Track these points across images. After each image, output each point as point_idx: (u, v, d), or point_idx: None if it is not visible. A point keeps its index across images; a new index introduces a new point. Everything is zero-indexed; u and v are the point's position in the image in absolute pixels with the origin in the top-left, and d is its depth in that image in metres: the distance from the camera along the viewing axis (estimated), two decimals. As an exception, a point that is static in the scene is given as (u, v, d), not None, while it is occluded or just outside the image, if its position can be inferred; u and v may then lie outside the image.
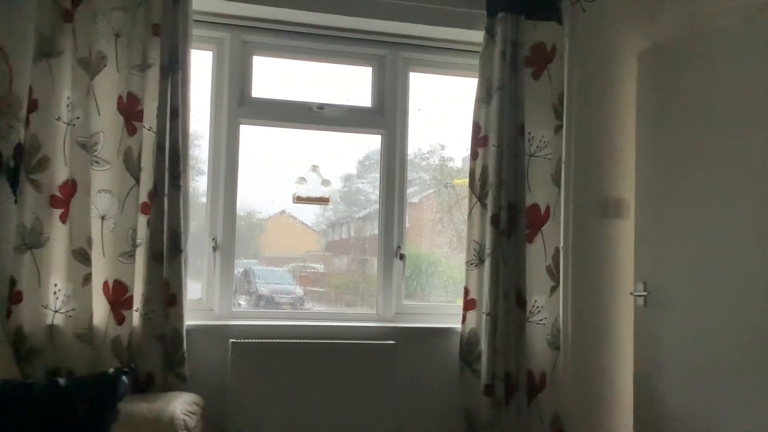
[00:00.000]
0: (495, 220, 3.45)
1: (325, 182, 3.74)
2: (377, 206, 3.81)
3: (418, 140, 3.90)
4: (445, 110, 3.91)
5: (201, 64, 3.53)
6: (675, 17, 3.58)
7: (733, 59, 3.10)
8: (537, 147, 3.61)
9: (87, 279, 3.08)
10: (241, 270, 3.74)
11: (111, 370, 2.46)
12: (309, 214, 3.94)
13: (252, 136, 3.64)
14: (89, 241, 3.10)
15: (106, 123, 3.16)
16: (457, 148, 3.99)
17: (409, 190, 3.92)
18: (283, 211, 3.87)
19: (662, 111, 3.45)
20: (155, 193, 3.12)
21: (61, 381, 2.35)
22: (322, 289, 3.94)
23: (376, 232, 3.79)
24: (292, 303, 3.87)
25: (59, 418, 2.18)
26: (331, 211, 3.99)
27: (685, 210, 3.29)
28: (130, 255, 3.14)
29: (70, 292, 3.08)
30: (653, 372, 3.39)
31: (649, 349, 3.43)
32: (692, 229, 3.24)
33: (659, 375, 3.35)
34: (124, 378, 2.37)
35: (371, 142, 3.85)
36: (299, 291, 3.91)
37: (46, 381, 2.54)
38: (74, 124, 3.11)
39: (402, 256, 3.74)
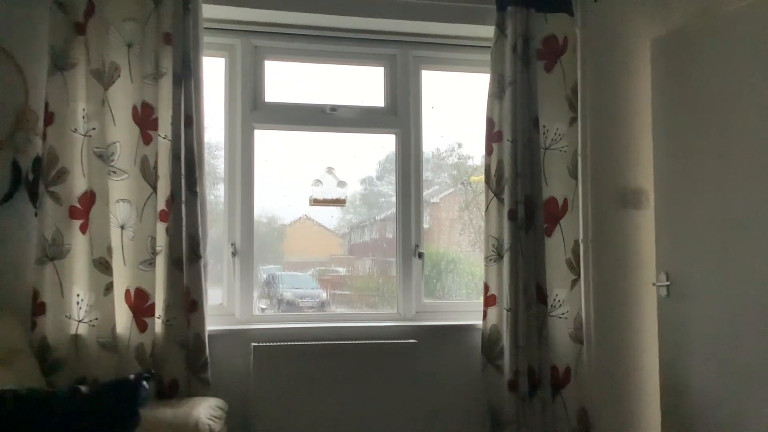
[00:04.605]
0: (512, 215, 3.43)
1: (341, 183, 3.74)
2: (397, 207, 3.80)
3: (434, 139, 3.88)
4: (459, 107, 3.89)
5: (213, 71, 3.56)
6: (687, 2, 3.53)
7: (749, 43, 3.03)
8: (552, 140, 3.58)
9: (109, 288, 3.12)
10: (265, 276, 3.75)
11: (131, 375, 2.48)
12: (330, 217, 3.94)
13: (266, 141, 3.66)
14: (109, 250, 3.13)
15: (122, 133, 3.19)
16: (475, 145, 3.96)
17: (429, 191, 3.90)
18: (303, 216, 3.88)
19: (678, 98, 3.40)
20: (173, 200, 3.14)
21: (83, 388, 2.36)
22: (345, 292, 3.94)
23: (397, 232, 3.79)
24: (316, 307, 3.87)
25: (81, 424, 2.20)
26: (351, 214, 3.99)
27: (705, 197, 3.24)
28: (150, 263, 3.17)
29: (93, 302, 3.11)
30: (679, 363, 3.34)
31: (673, 340, 3.38)
32: (713, 217, 3.19)
33: (685, 365, 3.30)
34: (144, 383, 2.38)
35: (389, 144, 3.83)
36: (323, 295, 3.91)
37: (67, 388, 2.56)
38: (90, 135, 3.14)
39: (420, 255, 3.73)
